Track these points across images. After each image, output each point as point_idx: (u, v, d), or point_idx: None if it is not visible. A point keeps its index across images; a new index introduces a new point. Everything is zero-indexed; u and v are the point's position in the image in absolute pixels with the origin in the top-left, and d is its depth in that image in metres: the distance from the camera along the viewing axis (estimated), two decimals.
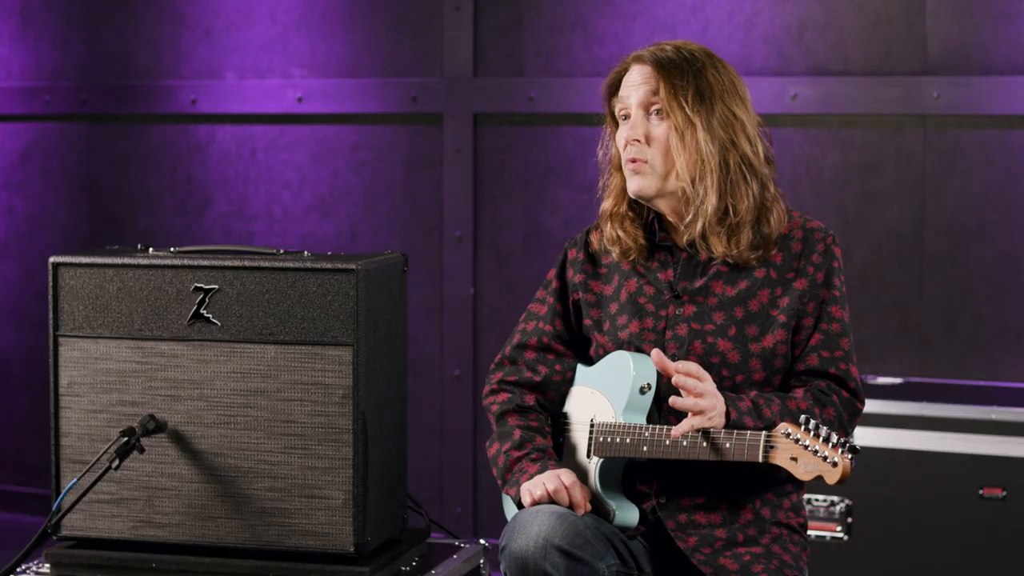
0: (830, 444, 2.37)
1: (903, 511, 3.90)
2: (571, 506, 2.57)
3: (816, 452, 2.37)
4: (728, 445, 2.49)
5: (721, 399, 2.53)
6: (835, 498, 3.96)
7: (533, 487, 2.60)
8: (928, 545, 3.88)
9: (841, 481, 2.35)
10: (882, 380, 4.27)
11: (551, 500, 2.57)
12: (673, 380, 2.52)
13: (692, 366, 2.53)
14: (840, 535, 3.96)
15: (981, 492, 3.84)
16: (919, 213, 4.45)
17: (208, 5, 5.16)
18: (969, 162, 4.39)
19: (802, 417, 2.43)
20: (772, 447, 2.43)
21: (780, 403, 2.59)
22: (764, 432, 2.46)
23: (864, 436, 3.93)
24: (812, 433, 2.39)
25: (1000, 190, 4.37)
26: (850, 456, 2.35)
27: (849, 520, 3.95)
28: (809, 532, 3.92)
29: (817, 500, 3.97)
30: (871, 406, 3.94)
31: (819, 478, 2.38)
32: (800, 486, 2.73)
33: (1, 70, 5.43)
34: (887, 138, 4.46)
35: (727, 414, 2.54)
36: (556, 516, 2.50)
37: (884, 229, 4.48)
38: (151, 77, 5.23)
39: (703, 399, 2.51)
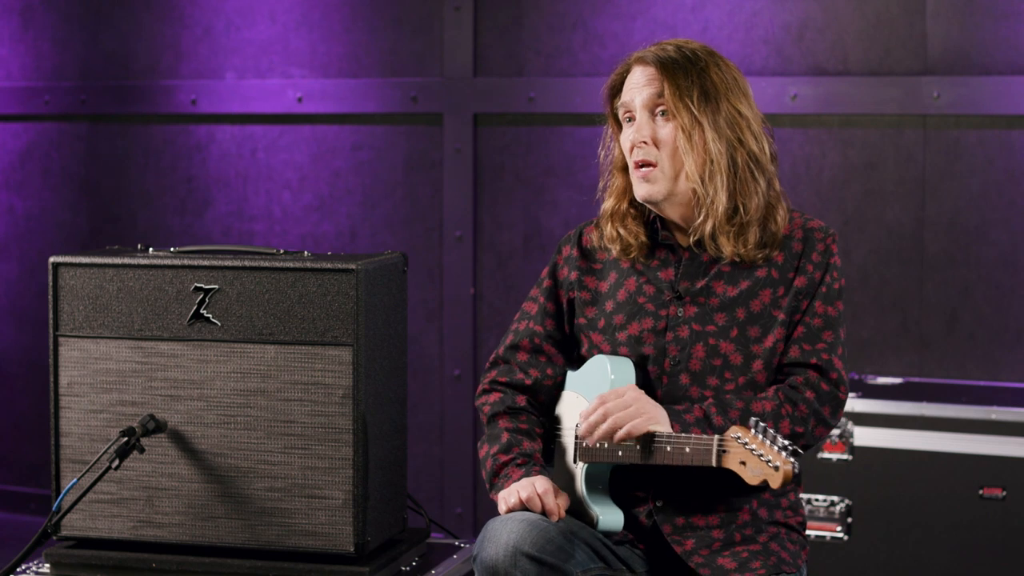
0: (775, 448, 2.38)
1: (903, 511, 3.90)
2: (546, 513, 2.57)
3: (761, 456, 2.38)
4: (687, 449, 2.49)
5: (650, 405, 2.55)
6: (835, 498, 3.96)
7: (508, 495, 2.60)
8: (928, 545, 3.88)
9: (783, 484, 2.37)
10: (882, 380, 4.27)
11: (525, 508, 2.58)
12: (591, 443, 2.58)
13: (584, 415, 2.58)
14: (840, 535, 3.96)
15: (981, 492, 3.84)
16: (919, 213, 4.44)
17: (208, 5, 5.16)
18: (969, 162, 4.39)
19: (752, 420, 2.43)
20: (724, 451, 2.44)
21: (744, 405, 2.58)
22: (717, 436, 2.46)
23: (864, 436, 3.93)
24: (760, 437, 2.40)
25: (1000, 190, 4.36)
26: (792, 460, 2.37)
27: (849, 520, 3.95)
28: (809, 532, 3.93)
29: (817, 500, 3.97)
30: (871, 406, 3.94)
31: (765, 482, 2.39)
32: (798, 484, 2.74)
33: (1, 70, 5.43)
34: (887, 138, 4.46)
35: (672, 427, 2.54)
36: (525, 523, 2.50)
37: (884, 229, 4.48)
38: (151, 77, 5.23)
39: (631, 409, 2.53)
